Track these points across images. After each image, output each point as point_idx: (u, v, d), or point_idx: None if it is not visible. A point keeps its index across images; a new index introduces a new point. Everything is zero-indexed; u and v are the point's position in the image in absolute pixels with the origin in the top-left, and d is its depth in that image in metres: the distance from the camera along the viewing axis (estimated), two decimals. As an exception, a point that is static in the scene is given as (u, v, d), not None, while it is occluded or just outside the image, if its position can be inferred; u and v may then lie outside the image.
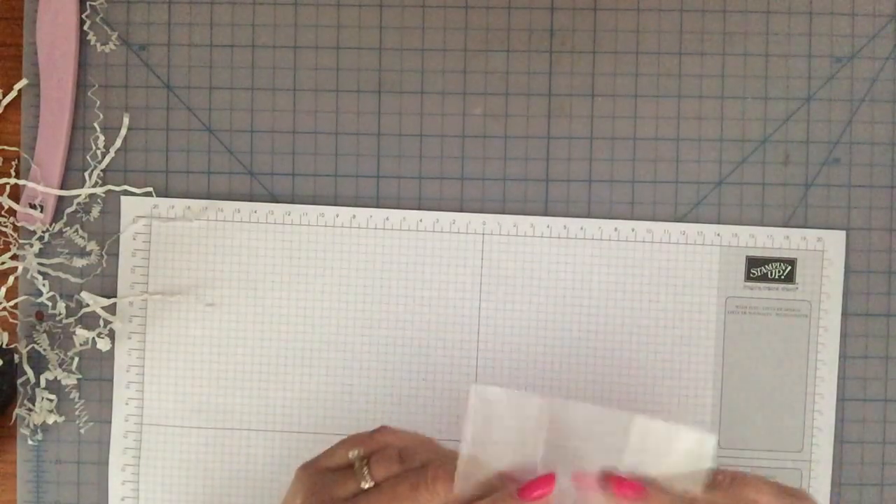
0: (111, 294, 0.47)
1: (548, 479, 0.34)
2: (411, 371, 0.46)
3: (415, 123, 0.47)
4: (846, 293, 0.46)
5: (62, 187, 0.46)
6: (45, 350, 0.46)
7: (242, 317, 0.47)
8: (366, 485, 0.35)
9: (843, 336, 0.46)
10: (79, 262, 0.47)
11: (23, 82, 0.47)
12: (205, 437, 0.47)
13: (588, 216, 0.46)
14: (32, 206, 0.46)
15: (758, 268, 0.46)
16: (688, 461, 0.34)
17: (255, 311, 0.47)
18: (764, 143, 0.46)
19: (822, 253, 0.46)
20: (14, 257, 0.47)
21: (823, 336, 0.46)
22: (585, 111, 0.47)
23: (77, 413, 0.47)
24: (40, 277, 0.46)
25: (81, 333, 0.46)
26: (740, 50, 0.46)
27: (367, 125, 0.47)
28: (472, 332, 0.46)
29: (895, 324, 0.46)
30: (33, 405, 0.46)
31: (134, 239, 0.47)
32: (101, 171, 0.47)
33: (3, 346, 0.46)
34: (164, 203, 0.47)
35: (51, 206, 0.46)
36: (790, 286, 0.46)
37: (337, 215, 0.47)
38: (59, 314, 0.47)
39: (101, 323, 0.46)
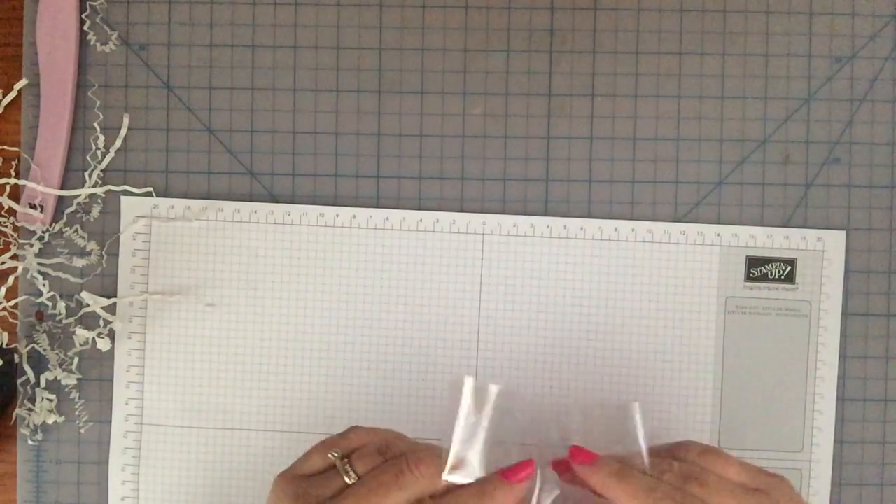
0: (111, 294, 0.47)
1: (527, 462, 0.37)
2: (411, 371, 0.46)
3: (415, 123, 0.47)
4: (846, 293, 0.46)
5: (62, 187, 0.46)
6: (45, 350, 0.46)
7: (242, 317, 0.47)
8: (350, 480, 0.36)
9: (843, 336, 0.46)
10: (79, 262, 0.47)
11: (23, 82, 0.47)
12: (205, 437, 0.47)
13: (588, 216, 0.46)
14: (32, 206, 0.46)
15: (758, 268, 0.46)
16: (632, 431, 0.38)
17: (255, 311, 0.47)
18: (764, 143, 0.46)
19: (822, 253, 0.46)
20: (14, 257, 0.47)
21: (823, 336, 0.46)
22: (585, 111, 0.47)
23: (77, 413, 0.47)
24: (40, 277, 0.46)
25: (81, 333, 0.46)
26: (740, 50, 0.46)
27: (367, 125, 0.47)
28: (472, 332, 0.46)
29: (895, 324, 0.46)
30: (33, 405, 0.46)
31: (134, 239, 0.47)
32: (101, 171, 0.47)
33: (3, 346, 0.46)
34: (164, 203, 0.47)
35: (51, 206, 0.46)
36: (790, 286, 0.46)
37: (337, 215, 0.47)
38: (59, 314, 0.47)
39: (101, 323, 0.46)
